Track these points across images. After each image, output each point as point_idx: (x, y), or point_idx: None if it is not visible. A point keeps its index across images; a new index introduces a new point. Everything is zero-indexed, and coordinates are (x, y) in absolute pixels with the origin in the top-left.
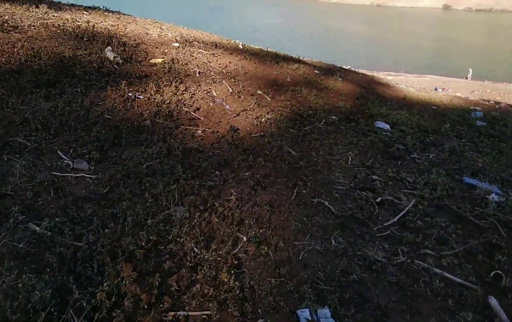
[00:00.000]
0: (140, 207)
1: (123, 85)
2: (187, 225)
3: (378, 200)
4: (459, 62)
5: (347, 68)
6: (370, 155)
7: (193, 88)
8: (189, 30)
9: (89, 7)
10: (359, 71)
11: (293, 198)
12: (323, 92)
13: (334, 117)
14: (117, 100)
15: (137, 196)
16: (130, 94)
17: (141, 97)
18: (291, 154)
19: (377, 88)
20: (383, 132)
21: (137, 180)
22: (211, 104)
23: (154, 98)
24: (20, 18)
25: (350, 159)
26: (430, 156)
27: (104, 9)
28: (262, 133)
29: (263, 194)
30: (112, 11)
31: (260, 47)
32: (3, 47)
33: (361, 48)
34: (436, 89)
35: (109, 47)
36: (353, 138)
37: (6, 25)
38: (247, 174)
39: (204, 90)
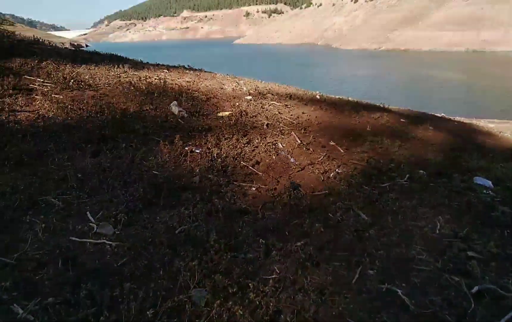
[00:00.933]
0: (153, 288)
1: (177, 139)
2: (202, 317)
3: (475, 289)
4: None
5: (440, 116)
6: (466, 221)
7: (256, 140)
8: (265, 83)
9: (173, 66)
10: (455, 119)
11: (354, 281)
12: (409, 142)
13: (421, 171)
14: (169, 155)
15: (155, 270)
16: (187, 149)
17: (197, 151)
18: (359, 219)
19: (476, 138)
20: (484, 191)
21: (162, 249)
22: (274, 157)
23: (211, 152)
24: (98, 77)
25: (438, 227)
26: None
27: (188, 67)
28: (327, 191)
29: (314, 274)
30: (194, 69)
31: (340, 97)
32: (71, 104)
33: (457, 95)
34: None
35: (175, 102)
36: (444, 199)
37: (83, 84)
38: (298, 244)
39: (269, 142)
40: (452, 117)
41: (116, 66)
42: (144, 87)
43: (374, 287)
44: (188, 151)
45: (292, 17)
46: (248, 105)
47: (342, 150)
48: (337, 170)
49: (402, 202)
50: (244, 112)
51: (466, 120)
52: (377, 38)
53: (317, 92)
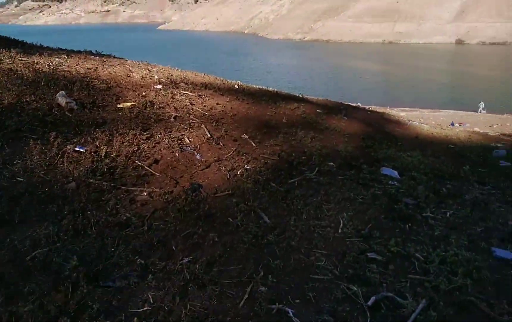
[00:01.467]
0: None
1: (52, 137)
2: None
3: (372, 301)
4: (475, 96)
5: (355, 105)
6: (370, 216)
7: (159, 135)
8: (181, 71)
9: (75, 51)
10: (369, 108)
11: (242, 303)
12: (322, 133)
13: (331, 163)
14: (41, 157)
15: None
16: (67, 148)
17: (81, 150)
18: (261, 222)
19: (386, 127)
20: (390, 182)
21: (2, 286)
22: (177, 154)
23: (98, 151)
24: None
25: (341, 225)
26: (448, 215)
27: (95, 52)
28: (231, 191)
29: (196, 299)
30: (102, 54)
31: (260, 87)
32: None
33: (375, 86)
34: (452, 125)
35: (62, 92)
36: (350, 193)
37: None
38: (185, 260)
39: (174, 137)
40: (367, 107)
41: (4, 50)
42: (30, 75)
43: (263, 309)
44: (68, 151)
45: (219, 4)
46: (156, 95)
47: (254, 144)
48: (246, 166)
49: (308, 199)
50: (150, 104)
51: (380, 110)
52: (302, 28)
53: (237, 81)
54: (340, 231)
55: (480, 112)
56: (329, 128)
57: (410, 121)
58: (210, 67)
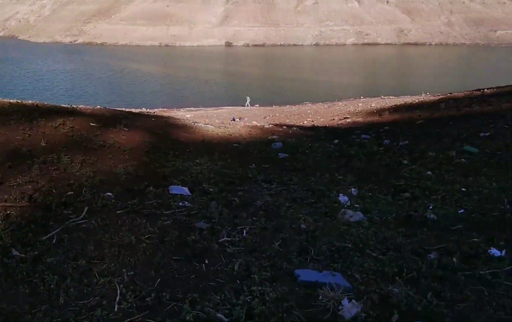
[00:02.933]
0: None
1: None
2: None
3: None
4: (247, 92)
5: (138, 112)
6: (158, 266)
7: None
8: None
9: None
10: (154, 113)
11: None
12: (96, 154)
13: (108, 194)
14: None
15: None
16: None
17: None
18: None
19: (172, 133)
20: (180, 203)
21: None
22: None
23: None
24: None
25: (118, 297)
26: (244, 233)
27: None
28: None
29: None
30: None
31: (10, 101)
32: None
33: (160, 88)
34: (233, 120)
35: None
36: (131, 236)
37: None
38: None
39: None
40: (153, 111)
41: None
42: None
43: None
44: None
45: None
46: None
47: None
48: None
49: (68, 264)
50: None
51: (166, 113)
52: (71, 31)
53: None
54: (116, 308)
55: (247, 106)
56: (105, 146)
57: (196, 123)
58: None
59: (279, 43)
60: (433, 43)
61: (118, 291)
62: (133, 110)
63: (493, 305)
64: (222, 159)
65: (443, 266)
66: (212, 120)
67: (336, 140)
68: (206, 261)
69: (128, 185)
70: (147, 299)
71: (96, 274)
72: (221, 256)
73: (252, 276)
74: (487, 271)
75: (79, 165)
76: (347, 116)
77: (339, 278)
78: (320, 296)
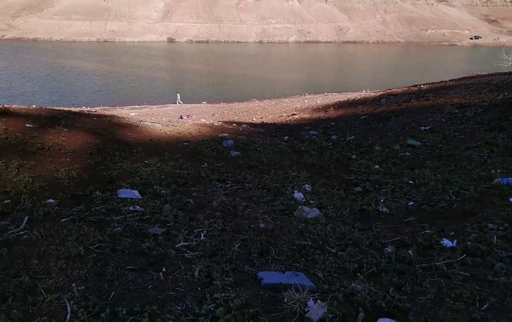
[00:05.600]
0: None
1: None
2: None
3: None
4: (197, 88)
5: (78, 111)
6: (111, 277)
7: None
8: None
9: None
10: (96, 112)
11: None
12: (34, 158)
13: (50, 201)
14: None
15: None
16: None
17: None
18: None
19: (118, 133)
20: (131, 208)
21: None
22: None
23: None
24: None
25: (68, 317)
26: (202, 236)
27: None
28: None
29: None
30: None
31: None
32: None
33: (101, 86)
34: (181, 118)
35: None
36: (79, 247)
37: None
38: None
39: None
40: (94, 109)
41: None
42: None
43: None
44: None
45: None
46: None
47: None
48: None
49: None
50: None
51: (109, 112)
52: None
53: None
54: None
55: (178, 103)
56: (44, 148)
57: (142, 122)
58: None
59: (223, 40)
60: (371, 41)
61: (69, 308)
62: (73, 109)
63: (452, 295)
64: (173, 160)
65: (400, 259)
66: (159, 118)
67: (286, 137)
68: (164, 269)
69: (72, 190)
70: (102, 315)
71: (43, 291)
72: (180, 263)
73: (214, 282)
74: (442, 262)
75: (16, 170)
76: (295, 113)
77: (302, 278)
78: (286, 299)
